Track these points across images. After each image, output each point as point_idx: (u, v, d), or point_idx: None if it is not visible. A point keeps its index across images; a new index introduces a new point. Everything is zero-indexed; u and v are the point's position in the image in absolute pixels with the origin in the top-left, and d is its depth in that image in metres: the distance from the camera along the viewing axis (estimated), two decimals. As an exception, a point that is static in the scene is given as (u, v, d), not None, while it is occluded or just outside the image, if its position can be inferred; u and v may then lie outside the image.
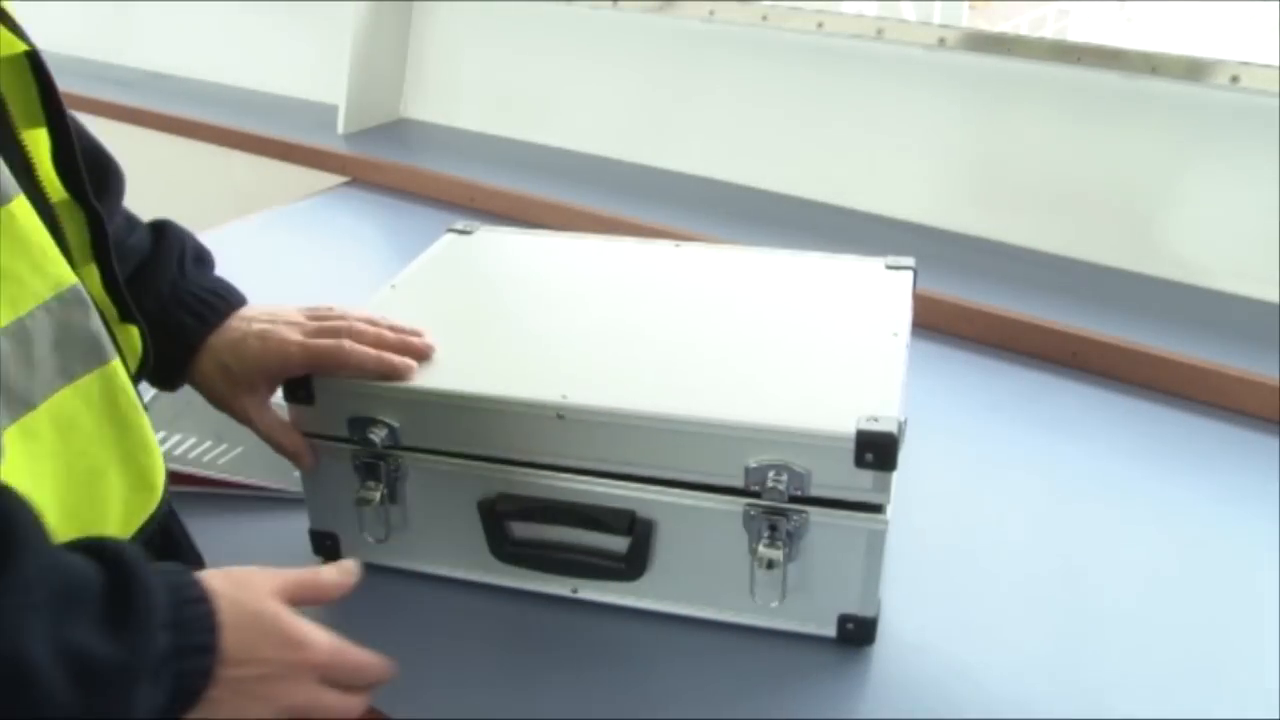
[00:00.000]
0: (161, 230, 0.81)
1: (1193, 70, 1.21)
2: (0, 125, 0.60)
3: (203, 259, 0.83)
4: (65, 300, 0.58)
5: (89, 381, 0.60)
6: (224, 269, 0.84)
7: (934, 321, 1.19)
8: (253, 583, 0.62)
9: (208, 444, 0.97)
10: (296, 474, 0.84)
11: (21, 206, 0.56)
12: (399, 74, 1.92)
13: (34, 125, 0.62)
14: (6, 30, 0.60)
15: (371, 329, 0.80)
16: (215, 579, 0.59)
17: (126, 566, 0.54)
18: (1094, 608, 0.81)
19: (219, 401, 0.81)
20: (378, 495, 0.80)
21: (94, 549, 0.54)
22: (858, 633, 0.76)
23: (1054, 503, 0.93)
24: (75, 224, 0.65)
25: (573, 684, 0.75)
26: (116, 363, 0.61)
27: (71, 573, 0.52)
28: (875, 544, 0.73)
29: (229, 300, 0.81)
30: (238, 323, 0.79)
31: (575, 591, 0.81)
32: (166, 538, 0.74)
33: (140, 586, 0.54)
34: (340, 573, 0.67)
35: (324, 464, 0.82)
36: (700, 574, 0.78)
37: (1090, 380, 1.12)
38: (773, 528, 0.73)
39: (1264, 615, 0.80)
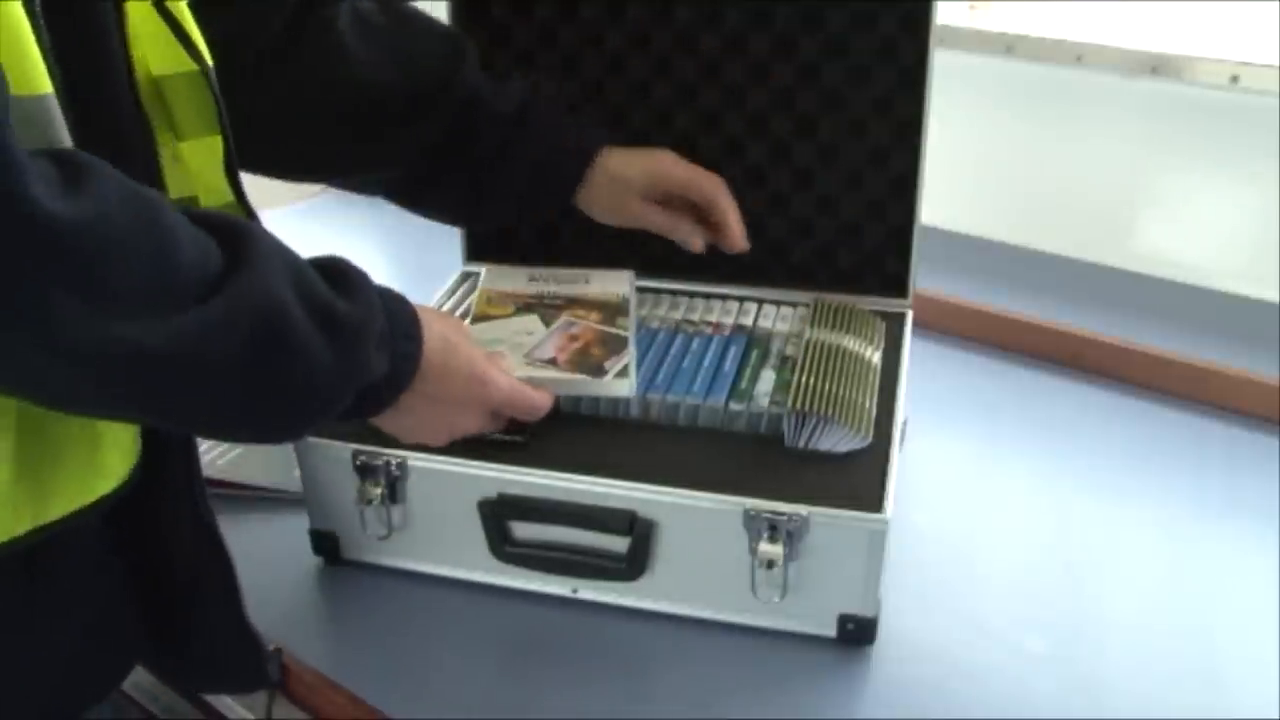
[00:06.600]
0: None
1: (1192, 70, 1.21)
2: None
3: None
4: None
5: None
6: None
7: (934, 321, 1.19)
8: (460, 328, 0.71)
9: (208, 444, 0.97)
10: (296, 474, 0.84)
11: None
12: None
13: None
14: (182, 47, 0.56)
15: None
16: (424, 311, 0.65)
17: (336, 259, 0.61)
18: (1094, 608, 0.81)
19: (609, 208, 0.88)
20: (378, 495, 0.80)
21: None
22: (858, 633, 0.76)
23: (1054, 503, 0.93)
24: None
25: (573, 684, 0.75)
26: None
27: (291, 253, 0.57)
28: (875, 544, 0.73)
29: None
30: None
31: (575, 591, 0.81)
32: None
33: (350, 267, 0.60)
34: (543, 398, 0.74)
35: (324, 464, 0.82)
36: (700, 574, 0.78)
37: (1090, 380, 1.12)
38: (773, 527, 0.73)
39: (1263, 616, 0.80)
